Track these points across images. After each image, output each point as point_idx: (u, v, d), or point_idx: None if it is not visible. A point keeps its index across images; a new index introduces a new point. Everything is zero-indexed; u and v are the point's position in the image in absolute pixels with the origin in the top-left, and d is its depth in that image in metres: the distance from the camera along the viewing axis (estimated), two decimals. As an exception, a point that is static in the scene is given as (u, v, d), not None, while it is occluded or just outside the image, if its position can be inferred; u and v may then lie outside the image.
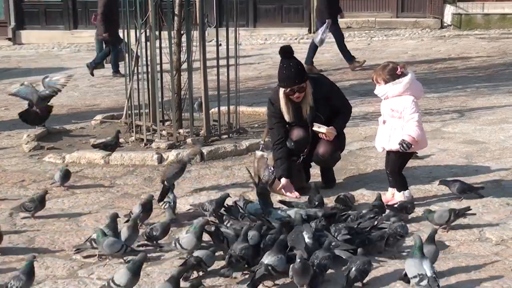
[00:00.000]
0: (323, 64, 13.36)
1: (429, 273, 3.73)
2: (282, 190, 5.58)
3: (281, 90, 5.57)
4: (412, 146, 5.13)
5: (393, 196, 5.32)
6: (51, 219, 5.28)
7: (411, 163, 5.70)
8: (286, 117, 5.62)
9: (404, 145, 5.09)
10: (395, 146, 5.16)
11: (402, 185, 5.31)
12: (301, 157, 5.72)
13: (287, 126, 5.72)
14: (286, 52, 5.57)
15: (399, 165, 5.30)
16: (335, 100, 5.69)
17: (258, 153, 5.98)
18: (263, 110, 8.92)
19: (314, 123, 5.56)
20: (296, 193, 5.59)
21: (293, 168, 5.68)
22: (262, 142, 6.24)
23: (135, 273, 3.85)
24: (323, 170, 5.90)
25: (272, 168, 5.75)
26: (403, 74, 5.18)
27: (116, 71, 13.49)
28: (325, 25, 12.16)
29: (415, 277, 3.75)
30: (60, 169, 6.06)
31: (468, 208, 4.87)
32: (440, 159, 6.54)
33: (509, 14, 18.62)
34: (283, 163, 5.60)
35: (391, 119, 5.23)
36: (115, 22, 12.46)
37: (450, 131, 7.71)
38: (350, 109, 5.84)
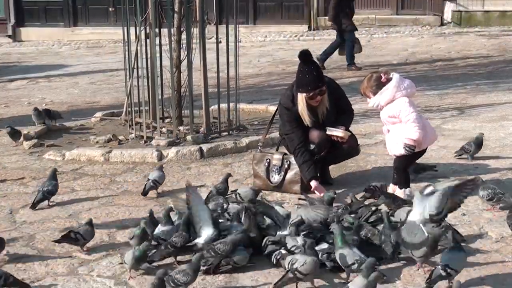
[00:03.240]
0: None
1: (363, 257, 3.89)
2: (315, 191, 5.48)
3: (301, 95, 5.50)
4: (415, 148, 5.17)
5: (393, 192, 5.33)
6: (51, 216, 5.28)
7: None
8: (307, 121, 5.58)
9: (407, 149, 5.15)
10: (402, 151, 5.21)
11: (404, 183, 5.33)
12: (316, 157, 5.70)
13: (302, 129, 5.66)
14: (306, 56, 5.50)
15: (405, 163, 5.33)
16: (341, 100, 5.73)
17: (258, 154, 5.94)
18: (263, 107, 8.93)
19: (327, 128, 5.56)
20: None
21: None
22: (260, 143, 6.20)
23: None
24: (322, 170, 5.89)
25: (275, 169, 5.74)
26: (388, 80, 5.20)
27: (351, 63, 12.35)
28: None
29: (353, 264, 3.90)
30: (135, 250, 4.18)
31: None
32: (440, 156, 6.53)
33: (509, 11, 18.61)
34: (309, 165, 5.54)
35: (393, 126, 5.27)
36: (348, 11, 12.15)
37: (450, 128, 7.71)
38: (353, 111, 5.88)
